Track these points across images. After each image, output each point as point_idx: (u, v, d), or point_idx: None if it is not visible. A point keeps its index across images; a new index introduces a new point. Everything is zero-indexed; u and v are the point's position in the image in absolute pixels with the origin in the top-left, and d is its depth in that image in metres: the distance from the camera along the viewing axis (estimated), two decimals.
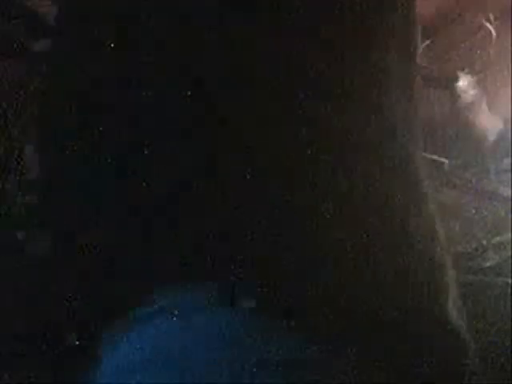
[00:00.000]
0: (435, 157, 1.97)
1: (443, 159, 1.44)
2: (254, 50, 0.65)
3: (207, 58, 0.66)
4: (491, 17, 2.94)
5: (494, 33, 2.88)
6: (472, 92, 2.99)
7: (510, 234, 1.67)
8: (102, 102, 0.65)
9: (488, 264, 1.54)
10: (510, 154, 2.54)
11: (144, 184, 0.64)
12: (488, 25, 2.87)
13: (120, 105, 0.65)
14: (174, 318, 0.62)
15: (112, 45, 0.63)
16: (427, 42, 3.23)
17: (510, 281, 1.52)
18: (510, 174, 2.28)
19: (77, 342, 0.65)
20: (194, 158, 0.65)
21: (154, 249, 0.65)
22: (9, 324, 0.72)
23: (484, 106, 3.00)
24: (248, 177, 0.66)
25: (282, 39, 0.68)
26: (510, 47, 2.83)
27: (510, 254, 1.58)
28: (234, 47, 0.65)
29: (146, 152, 0.65)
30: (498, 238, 1.61)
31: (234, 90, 0.67)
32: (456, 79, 3.05)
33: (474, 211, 1.53)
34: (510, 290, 1.45)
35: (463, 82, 3.02)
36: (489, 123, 2.94)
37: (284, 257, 0.65)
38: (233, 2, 0.64)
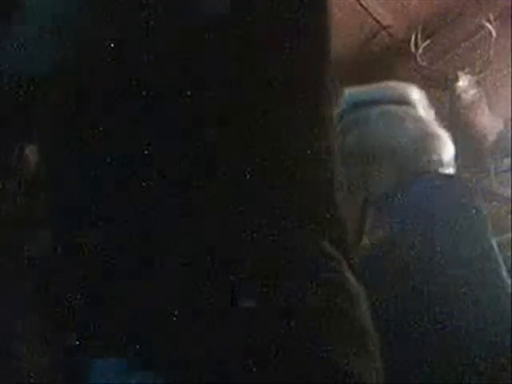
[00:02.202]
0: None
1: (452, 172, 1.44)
2: None
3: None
4: (491, 17, 2.94)
5: (494, 33, 2.88)
6: (472, 92, 2.99)
7: (510, 234, 1.67)
8: (102, 103, 0.65)
9: None
10: (509, 154, 2.54)
11: (144, 184, 0.64)
12: (488, 25, 2.88)
13: (120, 105, 0.65)
14: None
15: (112, 45, 0.63)
16: (427, 42, 3.23)
17: (510, 281, 1.52)
18: (509, 174, 2.28)
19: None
20: (194, 158, 0.65)
21: (153, 249, 0.64)
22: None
23: (484, 106, 3.00)
24: (248, 177, 0.66)
25: None
26: (510, 47, 2.83)
27: (510, 253, 1.58)
28: None
29: (145, 152, 0.65)
30: (498, 238, 1.61)
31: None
32: (456, 79, 3.05)
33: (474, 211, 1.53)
34: (510, 290, 1.45)
35: (463, 82, 3.02)
36: (489, 123, 2.94)
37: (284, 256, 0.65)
38: None
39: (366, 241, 1.33)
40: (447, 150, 1.42)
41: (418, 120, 1.41)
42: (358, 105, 1.42)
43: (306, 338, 0.62)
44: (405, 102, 1.43)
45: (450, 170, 1.42)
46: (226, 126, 0.65)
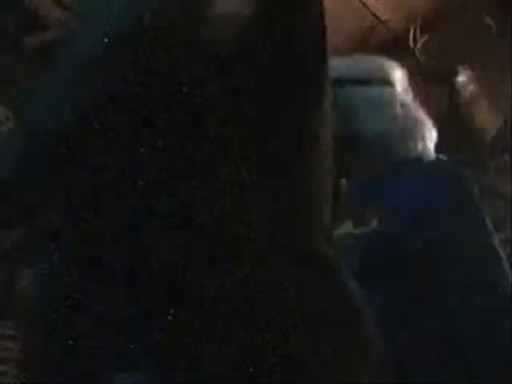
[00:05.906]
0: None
1: (442, 157, 1.43)
2: None
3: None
4: (491, 11, 2.93)
5: (493, 28, 2.87)
6: (471, 87, 2.98)
7: (510, 233, 1.66)
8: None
9: None
10: (509, 150, 2.53)
11: (144, 197, 0.64)
12: (488, 20, 2.86)
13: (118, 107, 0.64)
14: None
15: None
16: (426, 36, 3.21)
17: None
18: (509, 171, 2.27)
19: None
20: (192, 157, 0.65)
21: (151, 251, 0.64)
22: None
23: (483, 102, 2.99)
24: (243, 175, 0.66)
25: None
26: (509, 43, 2.82)
27: (510, 252, 1.57)
28: None
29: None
30: (497, 236, 1.60)
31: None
32: (455, 74, 3.04)
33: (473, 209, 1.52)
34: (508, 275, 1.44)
35: (462, 78, 3.01)
36: (488, 119, 2.93)
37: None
38: None
39: (353, 230, 1.32)
40: (431, 135, 1.41)
41: (403, 104, 1.40)
42: (338, 82, 1.38)
43: (303, 338, 0.62)
44: (386, 81, 1.41)
45: (434, 156, 1.41)
46: (224, 127, 0.65)
